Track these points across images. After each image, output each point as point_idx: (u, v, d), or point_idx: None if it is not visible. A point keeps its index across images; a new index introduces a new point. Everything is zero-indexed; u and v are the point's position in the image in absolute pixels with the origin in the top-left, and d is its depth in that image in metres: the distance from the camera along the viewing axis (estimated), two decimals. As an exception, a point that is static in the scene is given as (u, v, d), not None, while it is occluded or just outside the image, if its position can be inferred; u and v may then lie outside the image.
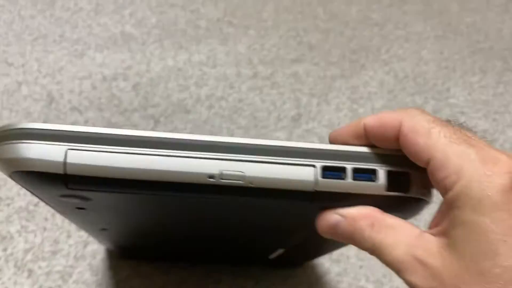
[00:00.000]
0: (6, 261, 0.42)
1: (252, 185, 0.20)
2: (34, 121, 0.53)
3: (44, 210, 0.45)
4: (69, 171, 0.19)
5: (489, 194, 0.18)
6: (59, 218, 0.45)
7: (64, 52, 0.65)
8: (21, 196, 0.46)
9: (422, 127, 0.20)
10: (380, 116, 0.22)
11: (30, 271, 0.41)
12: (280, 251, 0.38)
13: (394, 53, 0.73)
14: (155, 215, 0.27)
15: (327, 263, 0.46)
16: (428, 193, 0.22)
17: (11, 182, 0.47)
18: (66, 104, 0.58)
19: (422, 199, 0.22)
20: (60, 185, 0.19)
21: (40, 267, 0.42)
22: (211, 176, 0.19)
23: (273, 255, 0.40)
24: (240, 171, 0.19)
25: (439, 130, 0.20)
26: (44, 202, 0.24)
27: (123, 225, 0.32)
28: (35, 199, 0.46)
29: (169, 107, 0.59)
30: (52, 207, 0.26)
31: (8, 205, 0.46)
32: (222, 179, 0.19)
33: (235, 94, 0.63)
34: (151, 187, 0.19)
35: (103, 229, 0.32)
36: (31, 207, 0.46)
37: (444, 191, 0.19)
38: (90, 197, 0.21)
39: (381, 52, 0.73)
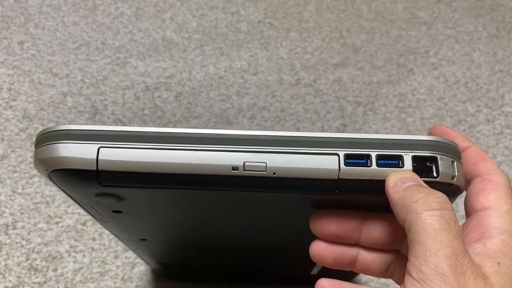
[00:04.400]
0: (57, 281, 0.43)
1: (275, 176, 0.20)
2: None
3: (92, 229, 0.46)
4: (101, 167, 0.20)
5: None
6: (106, 238, 0.45)
7: (106, 60, 0.65)
8: (69, 214, 0.47)
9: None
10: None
11: (80, 292, 0.42)
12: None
13: (443, 56, 0.69)
14: (187, 218, 0.28)
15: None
16: (459, 179, 0.21)
17: (58, 200, 0.48)
18: (110, 116, 0.58)
19: (453, 184, 0.21)
20: (94, 182, 0.20)
21: (89, 289, 0.42)
22: (235, 168, 0.20)
23: (314, 270, 0.39)
24: (263, 162, 0.20)
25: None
26: (81, 206, 0.25)
27: (159, 233, 0.32)
28: (83, 218, 0.47)
29: (212, 118, 0.59)
30: (90, 213, 0.26)
31: (57, 223, 0.46)
32: (246, 170, 0.20)
33: (277, 103, 0.61)
34: (178, 181, 0.20)
35: (143, 239, 0.33)
36: (79, 226, 0.46)
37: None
38: (123, 196, 0.22)
39: (429, 54, 0.70)
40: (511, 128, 0.59)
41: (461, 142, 0.23)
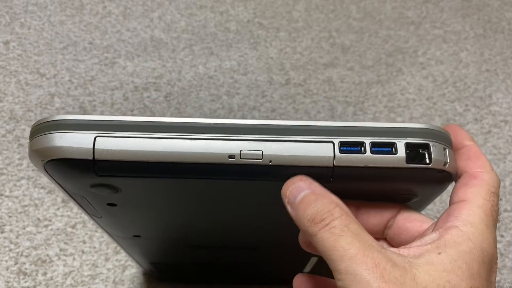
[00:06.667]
0: (47, 285, 0.42)
1: (271, 163, 0.20)
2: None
3: (82, 232, 0.45)
4: (98, 156, 0.20)
5: None
6: (96, 241, 0.45)
7: (94, 60, 0.64)
8: (58, 217, 0.46)
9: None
10: None
11: (70, 296, 0.42)
12: (313, 259, 0.37)
13: (432, 55, 0.70)
14: (182, 211, 0.28)
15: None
16: (451, 165, 0.22)
17: (47, 202, 0.47)
18: (99, 117, 0.57)
19: (445, 171, 0.21)
20: (90, 172, 0.20)
21: (79, 292, 0.42)
22: (232, 156, 0.20)
23: (307, 268, 0.39)
24: (259, 150, 0.20)
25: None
26: (75, 200, 0.25)
27: (153, 228, 0.32)
28: (72, 221, 0.46)
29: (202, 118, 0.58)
30: (84, 208, 0.26)
31: (46, 226, 0.46)
32: (242, 158, 0.20)
33: (267, 103, 0.61)
34: (175, 170, 0.20)
35: (136, 236, 0.32)
36: (69, 229, 0.46)
37: None
38: (119, 187, 0.22)
39: (418, 54, 0.70)
40: (499, 127, 0.60)
41: (462, 139, 0.23)
